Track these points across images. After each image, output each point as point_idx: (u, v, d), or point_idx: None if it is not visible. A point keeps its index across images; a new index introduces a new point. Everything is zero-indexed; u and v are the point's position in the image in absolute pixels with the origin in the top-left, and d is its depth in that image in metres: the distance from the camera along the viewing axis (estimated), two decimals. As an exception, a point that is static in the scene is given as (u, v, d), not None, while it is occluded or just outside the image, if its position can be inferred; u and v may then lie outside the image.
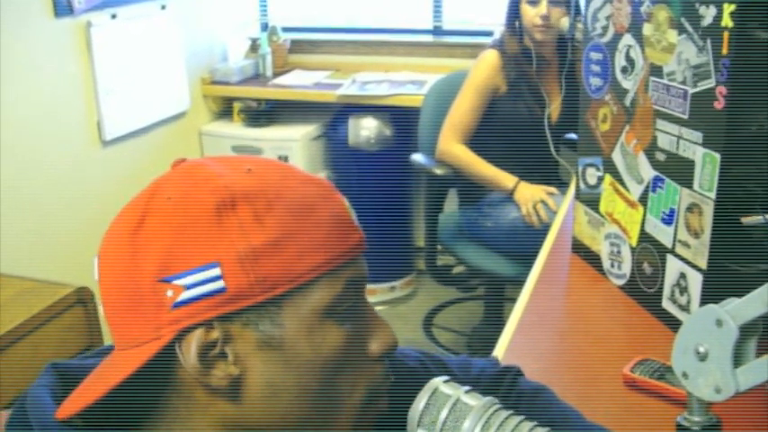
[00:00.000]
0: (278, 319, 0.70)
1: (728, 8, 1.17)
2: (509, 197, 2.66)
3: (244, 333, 0.69)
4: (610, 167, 1.56)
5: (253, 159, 0.76)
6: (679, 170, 1.34)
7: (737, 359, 0.73)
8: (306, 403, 0.72)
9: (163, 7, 3.40)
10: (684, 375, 0.77)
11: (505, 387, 0.99)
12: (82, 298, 2.32)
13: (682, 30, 1.29)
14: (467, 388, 0.76)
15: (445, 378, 0.77)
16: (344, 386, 0.74)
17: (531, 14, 2.70)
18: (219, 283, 0.67)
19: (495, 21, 2.89)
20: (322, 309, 0.71)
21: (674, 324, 1.39)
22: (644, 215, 1.46)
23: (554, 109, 2.80)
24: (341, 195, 0.77)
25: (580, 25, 2.53)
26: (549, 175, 2.84)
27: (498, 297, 3.14)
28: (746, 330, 0.72)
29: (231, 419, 0.72)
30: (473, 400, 0.74)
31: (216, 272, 0.67)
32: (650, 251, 1.45)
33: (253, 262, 0.67)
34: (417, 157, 2.87)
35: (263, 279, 0.68)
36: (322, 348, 0.71)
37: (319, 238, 0.71)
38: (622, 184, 1.52)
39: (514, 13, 2.76)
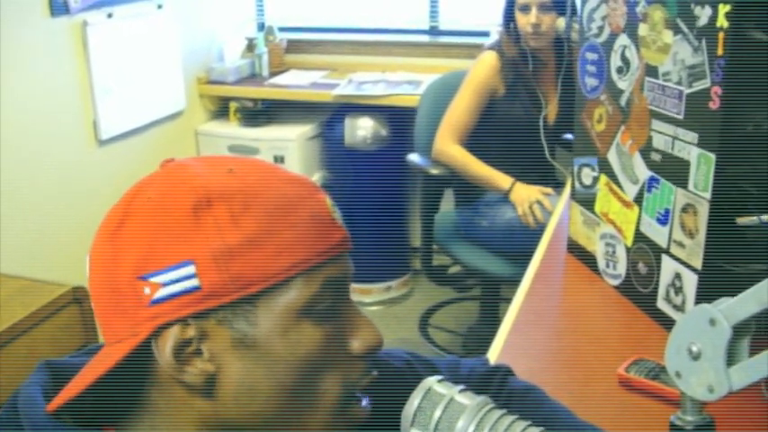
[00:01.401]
0: (252, 318, 0.70)
1: (724, 9, 1.17)
2: (505, 197, 2.66)
3: (219, 331, 0.70)
4: (605, 167, 1.57)
5: (237, 160, 0.77)
6: (674, 170, 1.34)
7: (731, 358, 0.73)
8: (281, 402, 0.72)
9: (159, 6, 3.40)
10: (678, 375, 0.77)
11: (495, 386, 1.00)
12: (78, 297, 2.33)
13: (677, 30, 1.29)
14: (461, 387, 0.76)
15: (439, 377, 0.77)
16: (323, 385, 0.74)
17: (522, 22, 2.71)
18: (194, 281, 0.68)
19: (492, 21, 2.89)
20: (298, 308, 0.71)
21: (668, 324, 1.39)
22: (639, 215, 1.47)
23: (551, 110, 2.80)
24: (324, 194, 0.77)
25: (576, 26, 2.54)
26: (546, 175, 2.84)
27: (494, 297, 3.15)
28: (739, 330, 0.72)
29: (208, 416, 0.73)
30: (467, 400, 0.74)
31: (190, 270, 0.68)
32: (645, 251, 1.45)
33: (227, 260, 0.68)
34: (413, 157, 2.87)
35: (237, 277, 0.68)
36: (297, 348, 0.72)
37: (297, 237, 0.71)
38: (618, 184, 1.53)
39: (510, 17, 2.77)
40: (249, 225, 0.69)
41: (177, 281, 0.68)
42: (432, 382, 0.77)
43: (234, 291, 0.69)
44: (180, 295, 0.68)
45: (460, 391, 0.76)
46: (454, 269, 3.10)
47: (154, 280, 0.68)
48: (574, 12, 2.56)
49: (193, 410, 0.73)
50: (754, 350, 0.73)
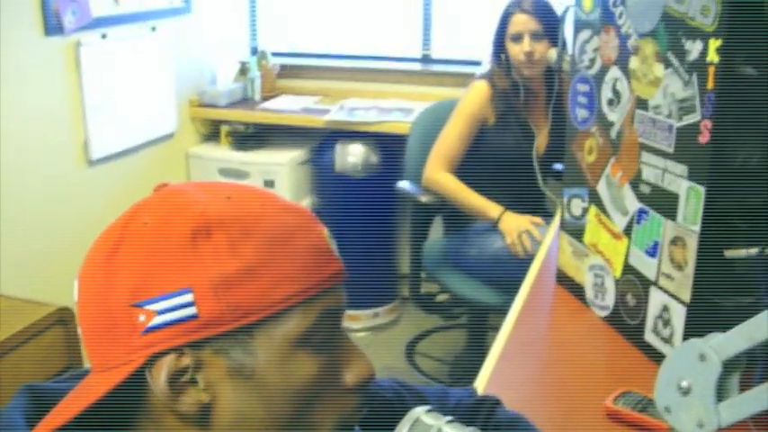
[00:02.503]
0: (250, 348, 0.69)
1: (714, 43, 1.18)
2: (494, 226, 2.66)
3: (215, 360, 0.69)
4: (595, 199, 1.57)
5: (234, 186, 0.76)
6: (664, 203, 1.34)
7: (720, 394, 0.73)
8: None
9: (153, 29, 3.41)
10: (667, 410, 0.77)
11: (483, 417, 0.99)
12: (62, 318, 2.31)
13: (668, 64, 1.30)
14: (449, 418, 0.76)
15: (427, 408, 0.77)
16: (316, 416, 0.73)
17: (515, 51, 2.72)
18: (191, 310, 0.67)
19: (484, 50, 2.91)
20: (295, 338, 0.70)
21: (656, 356, 1.39)
22: (628, 247, 1.47)
23: (541, 140, 2.81)
24: (321, 225, 0.76)
25: (567, 57, 2.55)
26: (535, 205, 2.85)
27: (481, 326, 3.14)
28: (730, 365, 0.72)
29: None
30: (455, 431, 0.74)
31: (188, 298, 0.67)
32: (634, 283, 1.45)
33: (225, 290, 0.67)
34: (403, 185, 2.87)
35: (235, 307, 0.68)
36: (293, 378, 0.71)
37: (295, 267, 0.70)
38: (607, 215, 1.53)
39: (500, 49, 2.78)
40: (248, 254, 0.68)
41: (174, 309, 0.67)
42: (419, 412, 0.76)
43: (232, 320, 0.68)
44: (176, 323, 0.67)
45: (448, 421, 0.75)
46: (442, 297, 3.10)
47: (149, 307, 0.67)
48: (564, 44, 2.58)
49: None
50: (743, 386, 0.73)
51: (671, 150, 1.31)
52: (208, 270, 0.67)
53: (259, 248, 0.69)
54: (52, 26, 2.88)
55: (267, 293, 0.69)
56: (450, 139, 2.76)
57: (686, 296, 1.31)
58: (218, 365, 0.69)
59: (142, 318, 0.67)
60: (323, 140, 3.68)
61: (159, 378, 0.68)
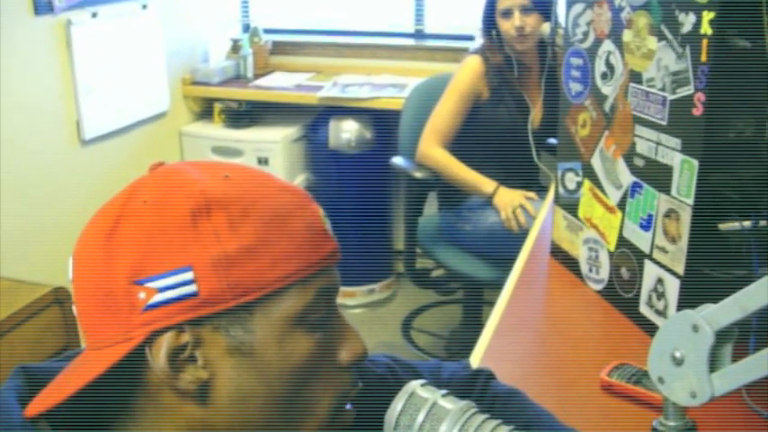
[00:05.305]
0: (248, 326, 0.70)
1: (708, 16, 1.18)
2: (488, 201, 2.67)
3: (214, 338, 0.70)
4: (589, 172, 1.57)
5: (231, 166, 0.76)
6: (657, 176, 1.34)
7: (713, 364, 0.73)
8: (273, 410, 0.72)
9: (144, 6, 3.39)
10: (660, 380, 0.77)
11: (478, 390, 1.00)
12: (59, 298, 2.31)
13: (661, 36, 1.30)
14: (444, 392, 0.76)
15: (422, 381, 0.77)
16: (312, 394, 0.74)
17: (506, 27, 2.71)
18: (192, 287, 0.68)
19: (477, 25, 2.89)
20: (292, 317, 0.72)
21: (651, 329, 1.40)
22: (622, 220, 1.47)
23: (536, 114, 2.80)
24: (317, 205, 0.77)
25: (561, 30, 2.54)
26: (530, 180, 2.85)
27: (477, 301, 3.15)
28: (722, 335, 0.73)
29: (198, 423, 0.73)
30: (450, 404, 0.74)
31: (188, 276, 0.67)
32: (628, 256, 1.46)
33: (225, 268, 0.68)
34: (397, 160, 2.87)
35: (234, 285, 0.68)
36: (291, 356, 0.72)
37: (293, 247, 0.71)
38: (601, 189, 1.53)
39: (491, 24, 2.77)
40: (247, 233, 0.69)
41: (174, 286, 0.67)
42: (415, 386, 0.77)
43: (231, 298, 0.68)
44: (176, 301, 0.68)
45: (443, 395, 0.76)
46: (437, 272, 3.10)
47: (150, 285, 0.68)
48: (555, 18, 2.57)
49: (183, 416, 0.72)
50: (736, 356, 0.73)
51: (664, 123, 1.31)
52: (208, 249, 0.68)
53: (258, 227, 0.70)
54: (42, 5, 2.86)
55: (266, 272, 0.69)
56: (444, 114, 2.75)
57: (680, 269, 1.31)
58: (217, 343, 0.70)
59: (142, 295, 0.68)
60: (316, 117, 3.67)
61: (159, 355, 0.69)
